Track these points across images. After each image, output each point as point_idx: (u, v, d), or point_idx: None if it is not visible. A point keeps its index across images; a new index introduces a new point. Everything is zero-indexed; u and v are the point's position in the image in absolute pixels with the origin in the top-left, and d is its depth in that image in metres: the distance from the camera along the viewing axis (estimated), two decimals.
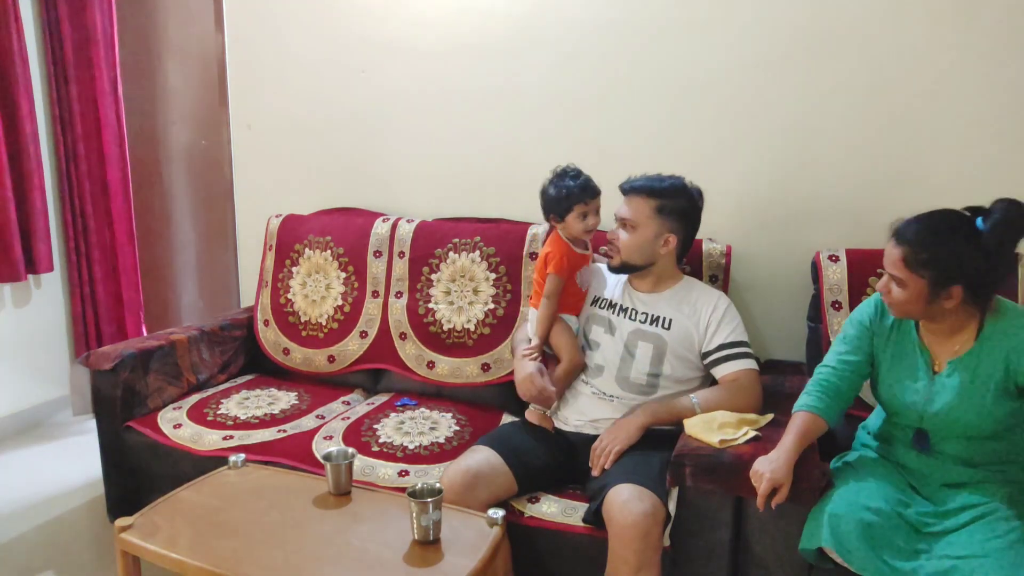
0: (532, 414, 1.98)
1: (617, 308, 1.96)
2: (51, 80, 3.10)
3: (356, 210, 2.73)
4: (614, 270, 1.95)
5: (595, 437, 1.87)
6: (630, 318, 1.93)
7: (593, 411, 1.91)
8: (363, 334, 2.50)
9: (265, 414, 2.23)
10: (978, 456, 1.49)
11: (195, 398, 2.36)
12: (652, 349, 1.87)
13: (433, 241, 2.44)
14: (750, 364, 1.83)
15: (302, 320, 2.58)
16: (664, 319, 1.89)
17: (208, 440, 2.08)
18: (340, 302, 2.54)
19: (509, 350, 2.27)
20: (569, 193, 1.89)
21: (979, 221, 1.40)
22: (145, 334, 3.32)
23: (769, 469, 1.45)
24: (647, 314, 1.91)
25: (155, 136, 3.52)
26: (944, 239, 1.41)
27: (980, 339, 1.47)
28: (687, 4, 2.24)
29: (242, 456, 1.76)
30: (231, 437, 2.08)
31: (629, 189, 1.90)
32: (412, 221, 2.52)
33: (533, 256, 2.31)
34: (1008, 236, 1.38)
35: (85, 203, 3.22)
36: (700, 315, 1.88)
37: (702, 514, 1.60)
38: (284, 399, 2.36)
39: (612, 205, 2.36)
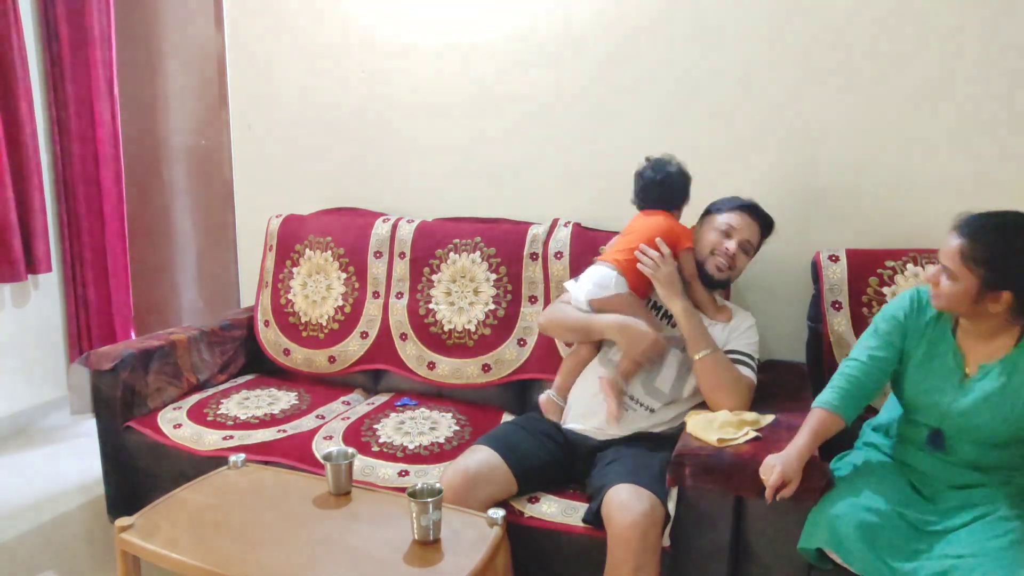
0: (548, 403, 1.96)
1: (661, 313, 1.95)
2: (48, 80, 3.11)
3: (356, 210, 2.73)
4: (714, 284, 1.94)
5: (598, 443, 1.88)
6: (670, 325, 1.92)
7: (605, 419, 1.88)
8: (364, 335, 2.50)
9: (265, 414, 2.23)
10: (990, 461, 1.48)
11: (195, 398, 2.35)
12: (681, 358, 1.88)
13: (433, 241, 2.44)
14: (750, 374, 1.84)
15: (302, 320, 2.58)
16: None
17: (208, 440, 2.08)
18: (341, 303, 2.54)
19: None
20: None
21: None
22: (133, 336, 3.31)
23: (781, 462, 1.45)
24: None
25: (155, 136, 3.52)
26: (1009, 241, 1.37)
27: (1020, 346, 1.44)
28: (688, 6, 2.24)
29: (242, 456, 1.76)
30: (231, 437, 2.08)
31: (756, 211, 1.93)
32: (412, 221, 2.52)
33: (533, 256, 2.31)
34: None
35: (78, 204, 3.21)
36: (730, 329, 1.91)
37: (702, 514, 1.60)
38: (284, 399, 2.36)
39: (614, 206, 2.37)
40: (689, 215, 2.02)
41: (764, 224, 1.94)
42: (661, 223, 1.92)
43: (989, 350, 1.48)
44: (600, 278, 1.90)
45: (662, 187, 1.95)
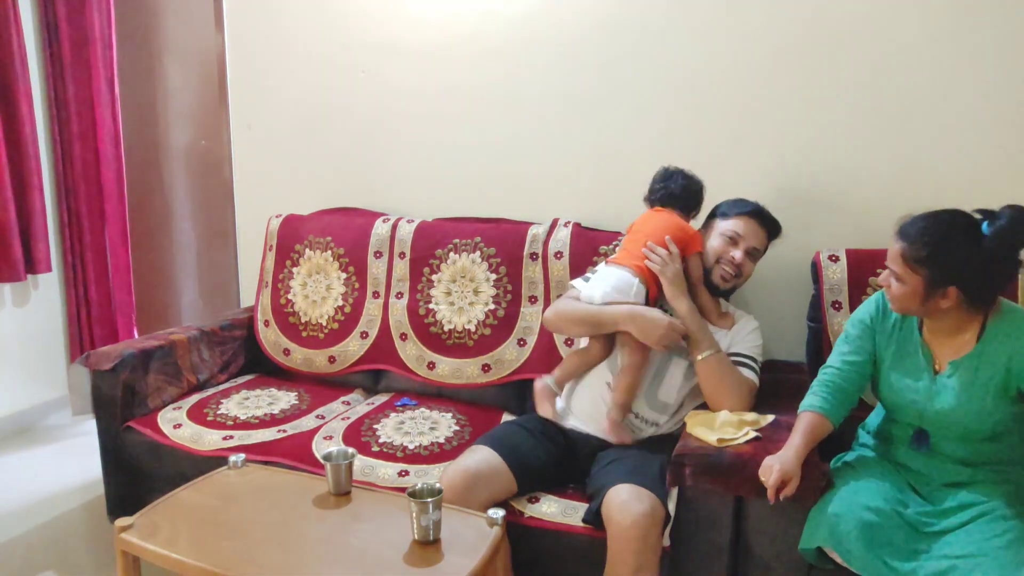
0: (544, 391, 1.94)
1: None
2: (49, 80, 3.11)
3: (356, 210, 2.73)
4: (719, 292, 1.93)
5: (601, 442, 1.88)
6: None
7: (607, 426, 1.87)
8: (364, 335, 2.50)
9: (265, 414, 2.23)
10: (977, 457, 1.49)
11: (195, 398, 2.35)
12: (685, 367, 1.87)
13: (434, 241, 2.44)
14: (753, 376, 1.84)
15: (302, 320, 2.58)
16: None
17: (208, 440, 2.08)
18: (341, 303, 2.54)
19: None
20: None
21: (984, 225, 1.39)
22: (136, 336, 3.31)
23: (780, 462, 1.46)
24: None
25: (155, 136, 3.52)
26: (944, 239, 1.40)
27: (982, 341, 1.46)
28: (687, 4, 2.24)
29: (242, 456, 1.76)
30: (231, 437, 2.08)
31: (764, 216, 1.91)
32: (412, 221, 2.52)
33: (534, 256, 2.31)
34: (1010, 243, 1.37)
35: (79, 204, 3.21)
36: (733, 333, 1.90)
37: (702, 514, 1.60)
38: (284, 399, 2.36)
39: (614, 206, 2.36)
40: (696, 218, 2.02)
41: (771, 229, 1.93)
42: (673, 221, 1.91)
43: (955, 346, 1.50)
44: (620, 282, 1.86)
45: (685, 186, 1.94)
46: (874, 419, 1.70)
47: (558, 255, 2.27)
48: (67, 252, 3.23)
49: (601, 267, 1.97)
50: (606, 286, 1.87)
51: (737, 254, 1.87)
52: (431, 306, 2.41)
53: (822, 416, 1.54)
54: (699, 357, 1.79)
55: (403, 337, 2.44)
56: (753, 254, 1.90)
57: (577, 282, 1.98)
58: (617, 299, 1.84)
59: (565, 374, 1.96)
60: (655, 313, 1.80)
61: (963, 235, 1.40)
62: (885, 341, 1.59)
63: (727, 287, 1.92)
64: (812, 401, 1.58)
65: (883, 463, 1.59)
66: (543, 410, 1.95)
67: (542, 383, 1.96)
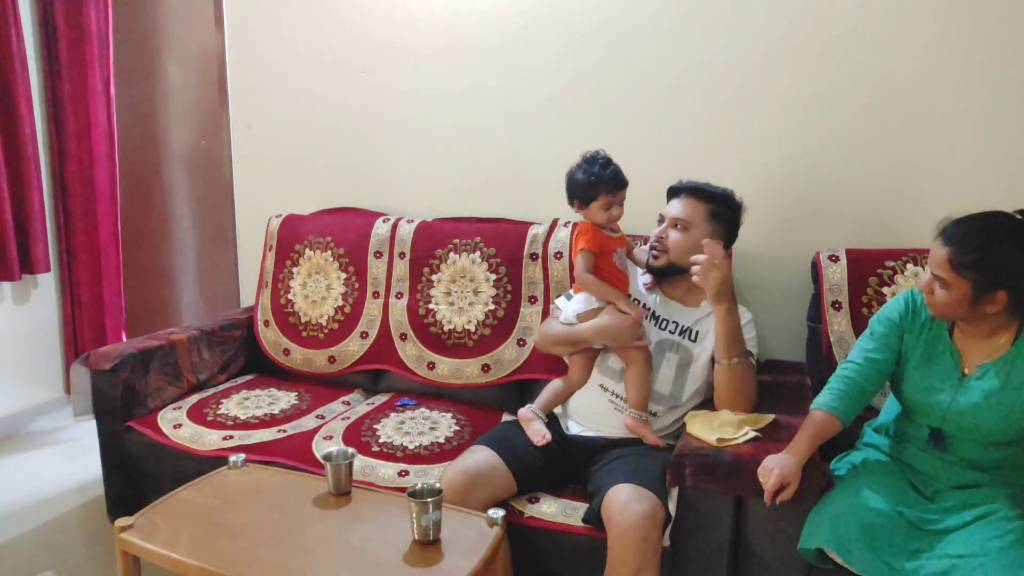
0: (531, 420, 1.91)
1: (650, 314, 1.94)
2: (46, 79, 3.11)
3: (356, 210, 2.73)
4: (657, 272, 1.93)
5: (601, 442, 1.87)
6: (659, 327, 1.91)
7: (607, 421, 1.88)
8: (364, 335, 2.50)
9: (265, 414, 2.23)
10: (988, 461, 1.49)
11: (195, 398, 2.35)
12: (677, 360, 1.87)
13: (433, 241, 2.44)
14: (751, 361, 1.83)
15: (302, 320, 2.58)
16: (693, 331, 1.89)
17: (208, 440, 2.08)
18: (340, 303, 2.54)
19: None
20: (597, 181, 1.81)
21: None
22: (124, 339, 3.29)
23: (779, 465, 1.45)
24: (677, 323, 1.90)
25: (154, 136, 3.52)
26: (993, 242, 1.37)
27: (1017, 345, 1.44)
28: (685, 4, 2.24)
29: (242, 456, 1.76)
30: (231, 437, 2.08)
31: (682, 189, 1.91)
32: (412, 221, 2.52)
33: (534, 256, 2.31)
34: None
35: (74, 204, 3.20)
36: None
37: (702, 514, 1.60)
38: (284, 399, 2.36)
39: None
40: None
41: (703, 198, 1.88)
42: (571, 243, 1.92)
43: (987, 349, 1.48)
44: (587, 296, 1.91)
45: (568, 182, 1.88)
46: (885, 416, 1.69)
47: (558, 255, 2.27)
48: (62, 252, 3.22)
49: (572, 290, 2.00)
50: (576, 304, 1.92)
51: (655, 232, 1.91)
52: (431, 306, 2.41)
53: (833, 417, 1.53)
54: (727, 361, 1.74)
55: (403, 337, 2.44)
56: (680, 224, 1.86)
57: (560, 300, 2.01)
58: (583, 309, 1.89)
59: (549, 400, 1.96)
60: (615, 319, 1.82)
61: (1010, 237, 1.36)
62: (913, 340, 1.56)
63: (659, 264, 1.90)
64: (826, 400, 1.55)
65: (886, 463, 1.59)
66: (534, 431, 1.86)
67: (527, 409, 1.93)
